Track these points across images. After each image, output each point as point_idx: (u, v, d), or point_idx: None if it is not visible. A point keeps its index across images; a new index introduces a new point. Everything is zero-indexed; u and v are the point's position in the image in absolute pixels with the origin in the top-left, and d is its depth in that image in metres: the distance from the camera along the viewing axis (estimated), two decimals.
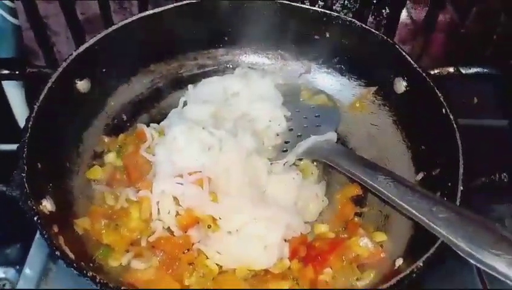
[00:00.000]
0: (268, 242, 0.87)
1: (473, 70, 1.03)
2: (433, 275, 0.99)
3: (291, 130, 1.09)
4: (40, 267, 1.02)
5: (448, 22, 1.42)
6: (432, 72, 1.01)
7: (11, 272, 1.09)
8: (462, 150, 0.86)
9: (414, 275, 0.70)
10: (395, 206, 0.83)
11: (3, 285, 1.09)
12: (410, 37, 1.44)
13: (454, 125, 0.90)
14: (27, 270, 1.02)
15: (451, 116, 0.91)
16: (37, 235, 1.06)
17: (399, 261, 0.84)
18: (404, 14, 1.37)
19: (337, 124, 1.09)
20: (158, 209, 0.92)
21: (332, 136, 1.04)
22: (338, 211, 0.97)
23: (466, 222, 0.72)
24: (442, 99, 0.94)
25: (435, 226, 0.74)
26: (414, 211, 0.78)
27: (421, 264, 0.71)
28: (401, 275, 0.70)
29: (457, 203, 0.78)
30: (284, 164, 1.02)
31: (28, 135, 0.85)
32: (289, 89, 1.16)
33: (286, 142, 1.07)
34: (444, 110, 0.93)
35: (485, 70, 1.03)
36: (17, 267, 1.08)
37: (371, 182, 0.87)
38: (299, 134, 1.07)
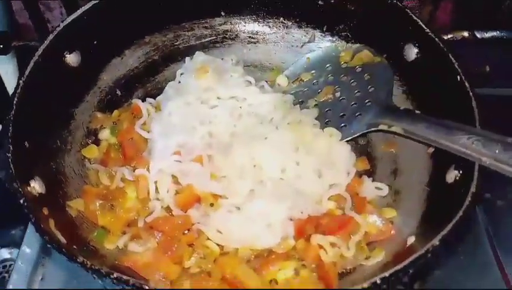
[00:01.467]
0: (271, 220, 0.83)
1: (489, 34, 0.95)
2: (456, 274, 0.96)
3: (342, 100, 1.01)
4: (39, 245, 1.00)
5: None
6: (446, 37, 0.94)
7: (16, 253, 1.06)
8: (480, 121, 0.80)
9: (429, 254, 0.65)
10: (487, 167, 0.72)
11: (10, 265, 1.07)
12: (417, 4, 1.37)
13: (471, 94, 0.83)
14: (25, 249, 1.00)
15: (467, 84, 0.84)
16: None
17: (411, 239, 0.79)
18: None
19: (391, 80, 0.99)
20: (156, 188, 0.88)
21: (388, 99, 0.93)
22: (346, 186, 0.91)
23: None
24: (456, 66, 0.87)
25: None
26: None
27: (437, 242, 0.66)
28: (416, 255, 0.65)
29: (475, 177, 0.73)
30: None
31: (13, 112, 0.80)
32: (326, 56, 1.09)
33: (342, 116, 0.99)
34: (458, 78, 0.86)
35: (502, 34, 0.95)
36: None
37: (453, 146, 0.76)
38: (353, 103, 0.99)
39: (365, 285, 0.60)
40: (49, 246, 0.65)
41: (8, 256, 1.09)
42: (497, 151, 0.70)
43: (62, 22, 0.95)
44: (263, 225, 0.82)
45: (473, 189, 0.71)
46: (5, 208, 1.08)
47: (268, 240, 0.82)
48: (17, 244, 1.06)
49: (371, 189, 0.92)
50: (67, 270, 0.98)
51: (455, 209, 0.70)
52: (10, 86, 1.32)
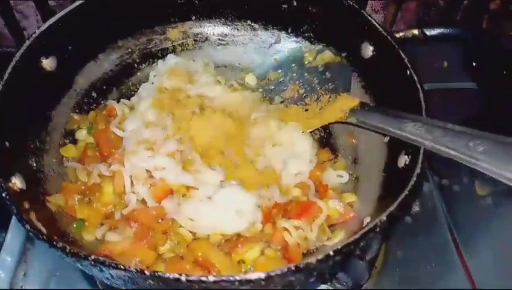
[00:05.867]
0: (240, 207, 0.89)
1: (437, 31, 1.04)
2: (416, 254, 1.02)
3: (305, 96, 1.09)
4: (17, 252, 1.02)
5: None
6: (398, 35, 1.02)
7: None
8: (426, 110, 0.88)
9: (378, 229, 0.72)
10: (430, 150, 0.79)
11: None
12: (382, 5, 1.44)
13: (418, 86, 0.91)
14: (4, 256, 1.02)
15: (415, 78, 0.92)
16: (13, 220, 1.05)
17: (367, 220, 0.86)
18: None
19: (349, 78, 1.08)
20: (131, 182, 0.93)
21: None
22: (309, 174, 0.98)
23: (509, 148, 0.67)
24: (406, 61, 0.95)
25: (476, 162, 0.71)
26: (451, 151, 0.74)
27: (384, 218, 0.73)
28: (365, 229, 0.72)
29: (420, 159, 0.80)
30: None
31: None
32: (291, 56, 1.17)
33: (306, 110, 1.07)
34: (408, 72, 0.94)
35: (448, 30, 1.04)
36: None
37: (401, 133, 0.83)
38: (316, 98, 1.08)
39: (319, 256, 0.67)
40: (31, 234, 0.70)
41: None
42: (437, 135, 0.78)
43: (38, 28, 1.00)
44: (233, 212, 0.88)
45: (418, 170, 0.79)
46: None
47: (237, 226, 0.88)
48: None
49: (332, 176, 0.99)
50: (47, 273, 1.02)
51: (403, 189, 0.78)
52: None
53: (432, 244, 1.11)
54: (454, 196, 1.19)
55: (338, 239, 0.88)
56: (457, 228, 1.11)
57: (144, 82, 1.13)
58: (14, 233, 1.04)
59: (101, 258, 0.65)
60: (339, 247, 0.69)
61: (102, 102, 1.11)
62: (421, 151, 0.80)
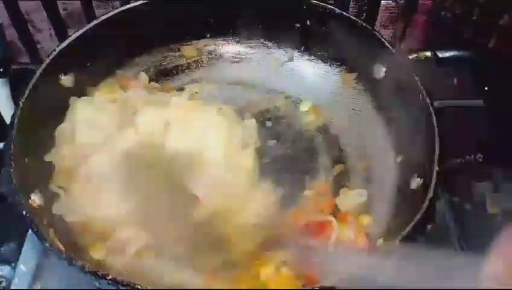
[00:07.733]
0: None
1: (450, 53, 1.05)
2: None
3: None
4: (34, 263, 1.02)
5: (429, 3, 1.44)
6: (410, 57, 1.04)
7: (6, 270, 1.07)
8: (438, 133, 0.89)
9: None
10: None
11: (0, 282, 1.07)
12: (392, 20, 1.46)
13: (431, 109, 0.92)
14: (21, 267, 1.02)
15: (428, 101, 0.94)
16: (30, 231, 1.06)
17: (379, 242, 0.87)
18: None
19: None
20: None
21: None
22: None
23: None
24: (419, 84, 0.96)
25: None
26: None
27: (397, 243, 0.74)
28: None
29: (433, 183, 0.81)
30: None
31: (14, 131, 0.87)
32: None
33: None
34: (420, 95, 0.95)
35: (461, 53, 1.05)
36: (13, 264, 1.06)
37: None
38: None
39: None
40: (50, 251, 0.72)
41: None
42: None
43: (57, 46, 1.02)
44: None
45: (430, 195, 0.80)
46: None
47: None
48: (7, 261, 1.07)
49: (349, 197, 0.99)
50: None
51: (415, 213, 0.78)
52: (3, 108, 1.35)
53: None
54: (466, 214, 1.19)
55: None
56: (469, 245, 1.11)
57: None
58: (30, 247, 1.05)
59: (118, 278, 0.67)
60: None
61: None
62: (434, 175, 0.81)
